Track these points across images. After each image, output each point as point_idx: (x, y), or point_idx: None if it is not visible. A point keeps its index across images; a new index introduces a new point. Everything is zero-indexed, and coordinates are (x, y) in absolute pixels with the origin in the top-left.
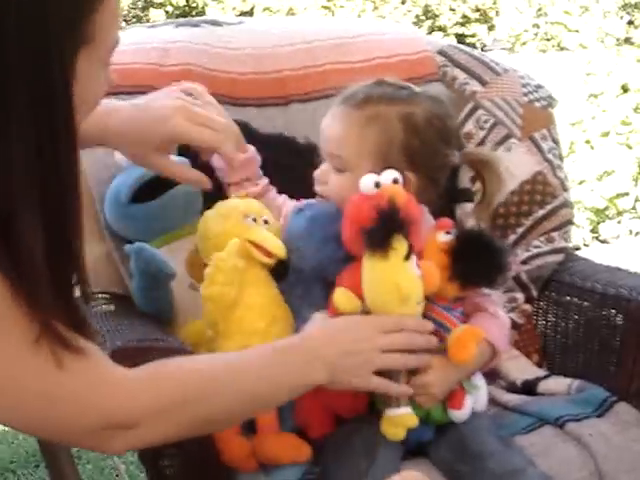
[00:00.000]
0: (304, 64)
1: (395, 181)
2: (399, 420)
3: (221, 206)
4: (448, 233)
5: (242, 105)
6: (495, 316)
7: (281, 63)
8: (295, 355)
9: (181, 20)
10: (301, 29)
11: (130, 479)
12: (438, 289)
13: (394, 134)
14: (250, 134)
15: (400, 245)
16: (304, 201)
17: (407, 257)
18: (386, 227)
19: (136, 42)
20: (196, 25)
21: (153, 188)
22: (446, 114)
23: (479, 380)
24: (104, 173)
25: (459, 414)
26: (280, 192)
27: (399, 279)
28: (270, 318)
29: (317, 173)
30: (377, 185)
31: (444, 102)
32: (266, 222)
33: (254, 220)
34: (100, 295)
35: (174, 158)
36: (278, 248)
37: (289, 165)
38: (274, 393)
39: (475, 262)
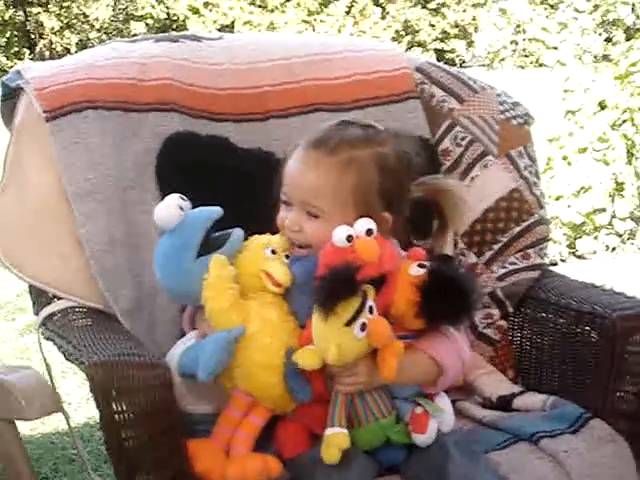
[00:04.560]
0: (283, 80)
1: (369, 232)
2: (331, 440)
3: (249, 238)
4: (421, 266)
5: (221, 120)
6: (444, 334)
7: (260, 78)
8: None
9: (161, 35)
10: (280, 45)
11: None
12: (402, 321)
13: (370, 177)
14: (229, 149)
15: (344, 311)
16: (302, 252)
17: (349, 323)
18: (332, 292)
19: (115, 57)
20: (175, 40)
21: None
22: (409, 149)
23: (444, 403)
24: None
25: (423, 438)
26: (257, 206)
27: (333, 342)
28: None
29: (289, 223)
30: (349, 239)
31: (405, 137)
32: (288, 257)
33: (273, 252)
34: (77, 309)
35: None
36: (285, 278)
37: (267, 180)
38: None
39: (445, 305)
